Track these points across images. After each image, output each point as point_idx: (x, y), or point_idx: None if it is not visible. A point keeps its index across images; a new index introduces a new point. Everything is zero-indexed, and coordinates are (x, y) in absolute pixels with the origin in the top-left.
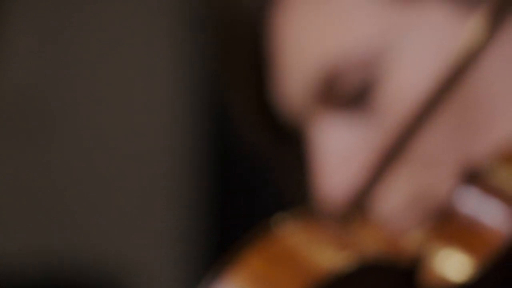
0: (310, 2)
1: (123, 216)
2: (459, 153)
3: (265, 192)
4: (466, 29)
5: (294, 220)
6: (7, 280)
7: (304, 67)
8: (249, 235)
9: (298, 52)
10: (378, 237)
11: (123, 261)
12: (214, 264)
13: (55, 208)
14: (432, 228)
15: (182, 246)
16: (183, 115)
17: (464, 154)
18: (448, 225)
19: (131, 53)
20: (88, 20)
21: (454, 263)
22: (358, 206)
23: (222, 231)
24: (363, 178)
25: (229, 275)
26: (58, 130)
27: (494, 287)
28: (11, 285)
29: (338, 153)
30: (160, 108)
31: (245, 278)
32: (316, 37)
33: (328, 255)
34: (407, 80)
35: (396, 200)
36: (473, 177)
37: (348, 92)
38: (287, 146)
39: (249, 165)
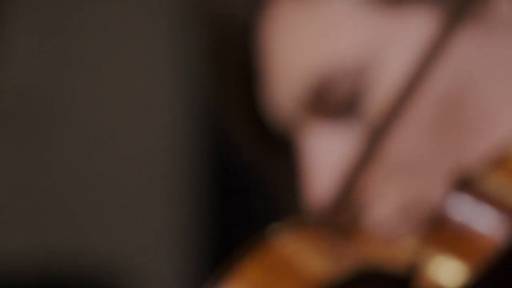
0: (299, 12)
1: (123, 215)
2: (449, 160)
3: (264, 192)
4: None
5: (290, 229)
6: (7, 279)
7: (293, 76)
8: (247, 244)
9: (288, 61)
10: (373, 245)
11: (122, 261)
12: (213, 266)
13: (55, 207)
14: (425, 235)
15: (182, 245)
16: (183, 114)
17: (455, 161)
18: (441, 232)
19: (131, 53)
20: (88, 20)
21: (447, 270)
22: (350, 214)
23: (221, 230)
24: (352, 186)
25: (227, 285)
26: (58, 129)
27: None
28: (11, 285)
29: (328, 161)
30: (160, 108)
31: (243, 286)
32: (306, 46)
33: (325, 264)
34: (395, 88)
35: (387, 207)
36: (465, 183)
37: (338, 101)
38: (278, 154)
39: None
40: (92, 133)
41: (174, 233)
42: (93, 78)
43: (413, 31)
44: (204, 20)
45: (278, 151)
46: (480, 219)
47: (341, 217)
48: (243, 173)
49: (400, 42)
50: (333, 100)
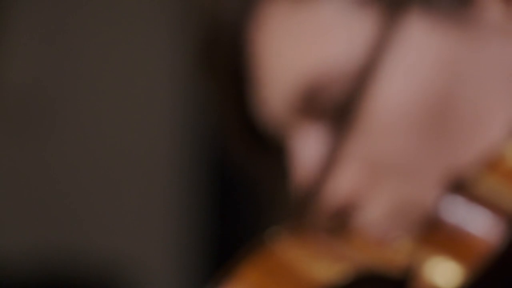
0: (290, 16)
1: (123, 214)
2: (440, 162)
3: (264, 192)
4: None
5: (288, 232)
6: (7, 277)
7: (284, 79)
8: (246, 247)
9: (279, 65)
10: (368, 247)
11: (122, 260)
12: (213, 267)
13: (54, 206)
14: (420, 237)
15: (182, 245)
16: (184, 113)
17: (447, 163)
18: (435, 234)
19: (131, 52)
20: (88, 19)
21: (443, 272)
22: (342, 217)
23: (221, 231)
24: (346, 188)
25: (232, 278)
26: (59, 128)
27: None
28: (11, 283)
29: (320, 163)
30: (161, 106)
31: (248, 282)
32: (296, 50)
33: (323, 267)
34: (387, 92)
35: (377, 210)
36: (459, 186)
37: (329, 105)
38: (269, 157)
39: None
40: (93, 133)
41: (174, 233)
42: (94, 76)
43: (407, 38)
44: (195, 24)
45: (269, 154)
46: (474, 222)
47: (339, 220)
48: (243, 173)
49: (393, 48)
50: (323, 104)
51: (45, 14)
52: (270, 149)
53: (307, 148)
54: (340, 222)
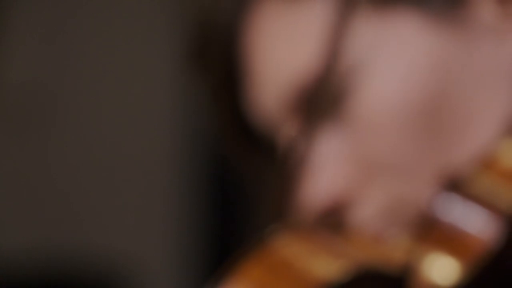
0: (283, 16)
1: (122, 213)
2: (434, 161)
3: (261, 191)
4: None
5: (289, 230)
6: (7, 277)
7: (278, 78)
8: (247, 245)
9: (272, 64)
10: (367, 245)
11: (122, 259)
12: (213, 265)
13: (55, 205)
14: (417, 235)
15: (182, 244)
16: (183, 112)
17: (442, 162)
18: (432, 232)
19: (131, 51)
20: (88, 19)
21: (441, 269)
22: (336, 215)
23: (221, 230)
24: (339, 186)
25: (228, 285)
26: (59, 127)
27: None
28: (11, 282)
29: (313, 162)
30: (161, 105)
31: (244, 287)
32: (290, 50)
33: (323, 264)
34: (380, 91)
35: (371, 208)
36: (455, 185)
37: (322, 103)
38: (263, 157)
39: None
40: (92, 132)
41: (174, 233)
42: (93, 76)
43: (398, 36)
44: (191, 23)
45: (263, 154)
46: (470, 220)
47: (334, 217)
48: (241, 175)
49: (384, 46)
50: (317, 103)
51: (45, 14)
52: (263, 148)
53: (305, 146)
54: (335, 220)
